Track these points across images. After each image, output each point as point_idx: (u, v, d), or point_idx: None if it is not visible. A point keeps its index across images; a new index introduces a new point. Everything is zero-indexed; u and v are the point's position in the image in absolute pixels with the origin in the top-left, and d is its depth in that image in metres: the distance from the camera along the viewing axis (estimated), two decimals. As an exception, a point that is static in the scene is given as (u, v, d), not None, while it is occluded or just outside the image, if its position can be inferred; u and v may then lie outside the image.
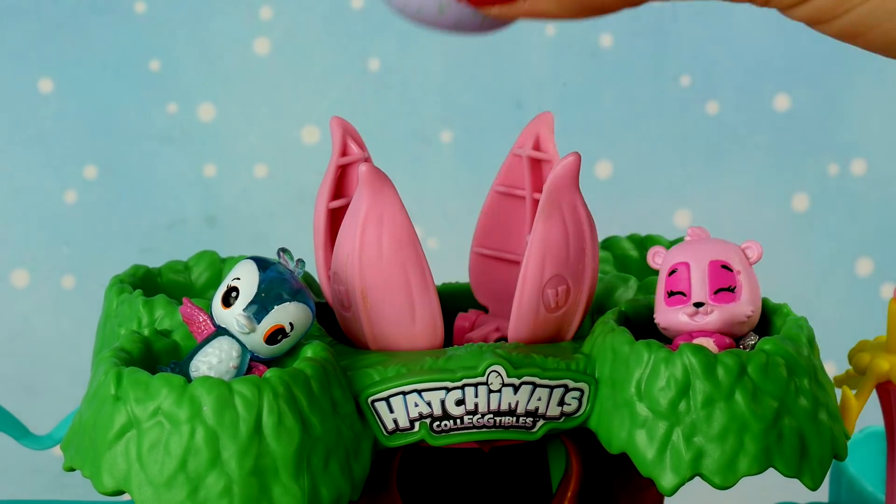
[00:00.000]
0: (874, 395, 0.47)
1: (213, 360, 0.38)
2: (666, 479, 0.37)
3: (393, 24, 0.79)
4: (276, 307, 0.38)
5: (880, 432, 0.52)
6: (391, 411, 0.39)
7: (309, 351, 0.39)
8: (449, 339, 0.43)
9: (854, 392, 0.44)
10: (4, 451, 0.61)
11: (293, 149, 0.80)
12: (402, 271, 0.40)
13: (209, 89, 0.79)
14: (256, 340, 0.38)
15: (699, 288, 0.40)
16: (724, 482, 0.37)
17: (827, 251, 0.81)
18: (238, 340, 0.38)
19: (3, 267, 0.79)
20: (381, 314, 0.40)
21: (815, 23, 0.21)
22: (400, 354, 0.40)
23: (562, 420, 0.39)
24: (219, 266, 0.49)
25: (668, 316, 0.40)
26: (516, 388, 0.38)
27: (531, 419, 0.39)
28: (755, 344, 0.39)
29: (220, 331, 0.38)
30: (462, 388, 0.38)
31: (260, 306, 0.38)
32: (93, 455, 0.37)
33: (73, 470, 0.39)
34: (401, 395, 0.39)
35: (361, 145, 0.44)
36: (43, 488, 0.75)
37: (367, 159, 0.44)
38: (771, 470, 0.38)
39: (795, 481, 0.38)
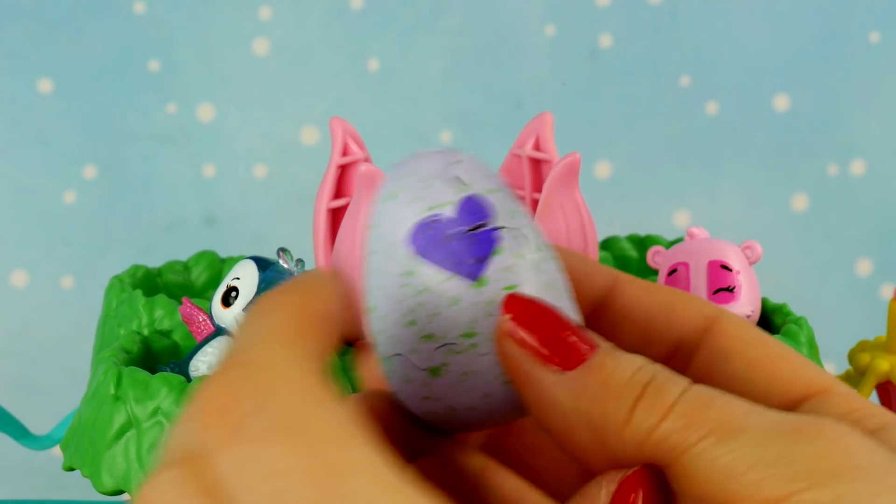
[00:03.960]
0: (874, 396, 0.47)
1: (213, 360, 0.38)
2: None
3: (392, 25, 0.79)
4: (275, 307, 0.38)
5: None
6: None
7: (308, 351, 0.39)
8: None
9: (854, 392, 0.44)
10: (4, 450, 0.61)
11: (292, 149, 0.80)
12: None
13: (208, 89, 0.79)
14: (256, 340, 0.38)
15: (698, 288, 0.40)
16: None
17: (826, 251, 0.81)
18: (238, 340, 0.38)
19: (3, 267, 0.79)
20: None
21: None
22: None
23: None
24: (218, 266, 0.49)
25: (668, 316, 0.40)
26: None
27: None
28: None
29: (220, 330, 0.38)
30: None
31: (259, 306, 0.37)
32: (92, 455, 0.37)
33: (72, 469, 0.39)
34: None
35: (361, 145, 0.44)
36: (42, 488, 0.75)
37: (367, 159, 0.44)
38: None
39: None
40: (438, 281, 0.25)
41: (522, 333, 0.24)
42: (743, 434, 0.21)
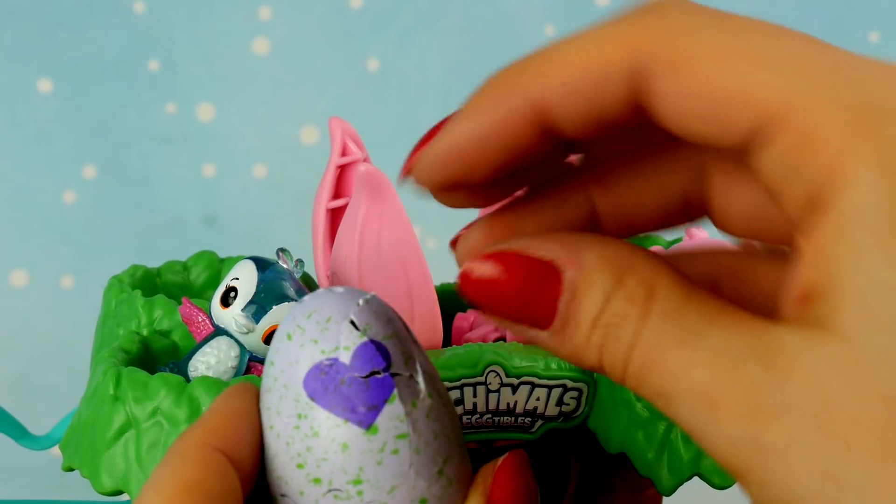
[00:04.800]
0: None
1: (212, 360, 0.38)
2: (665, 480, 0.37)
3: (392, 24, 0.79)
4: (274, 307, 0.38)
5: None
6: (390, 411, 0.39)
7: (308, 351, 0.39)
8: (448, 339, 0.43)
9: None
10: (3, 451, 0.61)
11: (292, 149, 0.80)
12: (402, 271, 0.40)
13: (208, 89, 0.79)
14: (255, 340, 0.38)
15: (698, 288, 0.40)
16: (724, 482, 0.37)
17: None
18: (237, 340, 0.38)
19: (2, 267, 0.79)
20: (380, 314, 0.40)
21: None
22: (399, 354, 0.40)
23: (560, 420, 0.39)
24: (217, 266, 0.49)
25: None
26: (515, 388, 0.38)
27: (530, 419, 0.39)
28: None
29: (219, 331, 0.38)
30: (460, 387, 0.38)
31: (258, 306, 0.37)
32: (91, 455, 0.37)
33: (71, 470, 0.38)
34: (400, 395, 0.39)
35: (360, 145, 0.44)
36: (41, 488, 0.75)
37: (366, 159, 0.44)
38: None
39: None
40: (329, 426, 0.25)
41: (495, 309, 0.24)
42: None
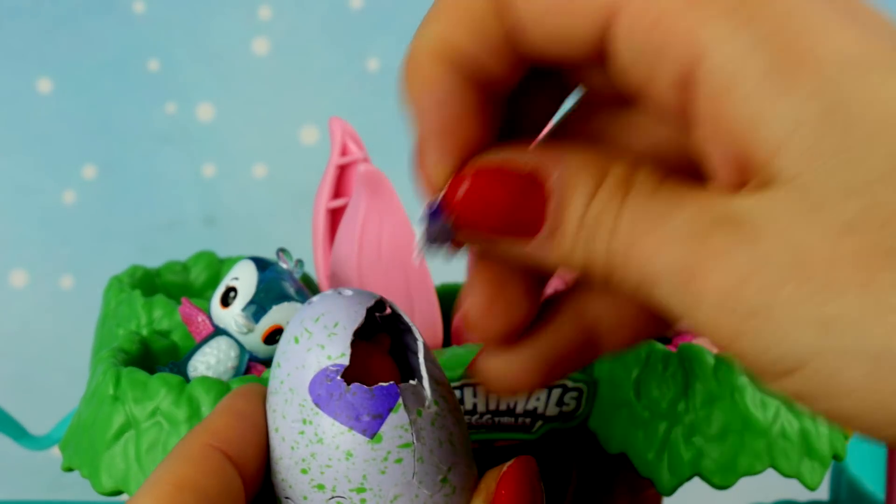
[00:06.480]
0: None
1: (212, 360, 0.38)
2: (665, 480, 0.37)
3: (392, 24, 0.79)
4: (274, 307, 0.38)
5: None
6: (390, 411, 0.39)
7: (307, 351, 0.39)
8: (447, 339, 0.43)
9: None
10: (3, 451, 0.61)
11: (292, 149, 0.80)
12: (401, 271, 0.40)
13: (208, 89, 0.79)
14: (255, 340, 0.38)
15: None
16: (724, 482, 0.37)
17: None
18: (236, 340, 0.38)
19: (2, 267, 0.79)
20: (380, 314, 0.40)
21: (798, 399, 0.22)
22: (399, 354, 0.40)
23: (560, 420, 0.39)
24: (217, 266, 0.49)
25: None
26: (515, 388, 0.38)
27: (529, 419, 0.39)
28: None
29: (219, 331, 0.38)
30: (461, 387, 0.38)
31: (258, 306, 0.37)
32: (91, 455, 0.37)
33: (71, 470, 0.38)
34: (399, 395, 0.38)
35: (360, 145, 0.44)
36: (41, 488, 0.75)
37: (366, 159, 0.44)
38: (770, 469, 0.38)
39: (795, 480, 0.38)
40: (333, 434, 0.25)
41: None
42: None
